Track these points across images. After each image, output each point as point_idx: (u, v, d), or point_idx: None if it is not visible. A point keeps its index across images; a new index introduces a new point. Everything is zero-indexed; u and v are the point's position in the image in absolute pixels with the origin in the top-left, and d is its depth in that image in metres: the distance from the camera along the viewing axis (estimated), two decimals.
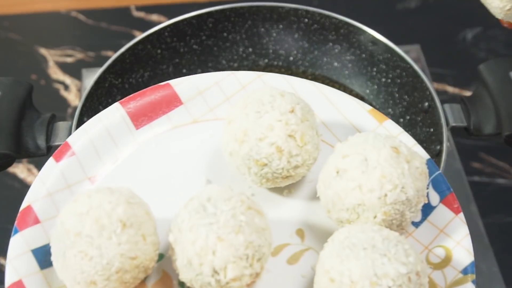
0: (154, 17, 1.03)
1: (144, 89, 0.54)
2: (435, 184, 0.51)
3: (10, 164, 0.63)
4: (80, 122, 0.65)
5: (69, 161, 0.52)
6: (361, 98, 0.76)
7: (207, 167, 0.52)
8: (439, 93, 0.87)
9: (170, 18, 0.76)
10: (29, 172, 0.82)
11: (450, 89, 0.92)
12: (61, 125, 0.65)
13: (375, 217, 0.44)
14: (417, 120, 0.70)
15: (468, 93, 0.80)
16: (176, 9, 0.95)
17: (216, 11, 0.77)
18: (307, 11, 0.77)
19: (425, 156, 0.52)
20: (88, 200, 0.44)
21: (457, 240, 0.50)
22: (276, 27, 0.79)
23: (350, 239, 0.42)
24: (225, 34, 0.79)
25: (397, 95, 0.74)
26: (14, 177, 0.81)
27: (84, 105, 0.66)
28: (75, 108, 0.87)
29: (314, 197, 0.49)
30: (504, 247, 0.74)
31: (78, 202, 0.44)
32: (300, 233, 0.50)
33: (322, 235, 0.49)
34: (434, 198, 0.51)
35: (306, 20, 0.78)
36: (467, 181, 0.75)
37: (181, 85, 0.54)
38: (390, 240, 0.42)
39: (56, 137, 0.64)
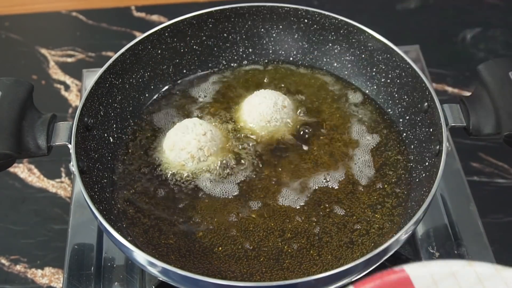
0: (155, 17, 1.03)
1: (378, 274, 0.51)
2: None
3: (11, 164, 0.63)
4: (80, 122, 0.65)
5: None
6: (361, 99, 0.77)
7: None
8: (439, 93, 0.87)
9: (170, 18, 0.76)
10: (29, 172, 0.82)
11: (450, 89, 0.92)
12: (62, 125, 0.65)
13: None
14: (416, 120, 0.70)
15: (467, 93, 0.80)
16: (176, 9, 0.95)
17: (216, 11, 0.77)
18: (307, 12, 0.77)
19: None
20: None
21: None
22: (276, 27, 0.80)
23: None
24: (225, 35, 0.79)
25: (396, 95, 0.74)
26: (15, 176, 0.81)
27: (84, 105, 0.66)
28: (75, 108, 0.87)
29: None
30: (503, 247, 0.74)
31: None
32: None
33: None
34: None
35: (306, 20, 0.78)
36: (466, 181, 0.76)
37: (416, 272, 0.51)
38: None
39: (56, 137, 0.64)
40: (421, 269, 0.51)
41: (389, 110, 0.75)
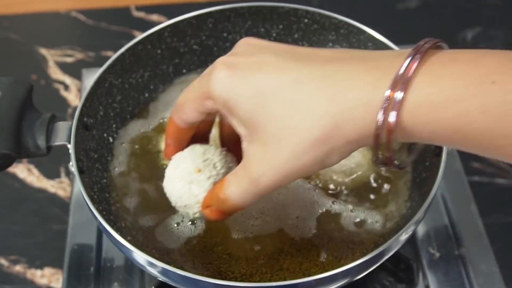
0: (154, 17, 1.03)
1: None
2: None
3: (10, 164, 0.63)
4: (80, 122, 0.65)
5: None
6: None
7: None
8: None
9: (170, 18, 0.76)
10: (29, 172, 0.82)
11: None
12: (61, 125, 0.65)
13: None
14: None
15: None
16: (176, 9, 0.95)
17: (216, 11, 0.77)
18: (307, 11, 0.77)
19: None
20: None
21: None
22: (276, 27, 0.79)
23: None
24: (225, 34, 0.79)
25: None
26: (14, 177, 0.81)
27: (84, 105, 0.66)
28: (75, 108, 0.87)
29: None
30: (504, 247, 0.74)
31: None
32: None
33: None
34: None
35: (306, 20, 0.78)
36: (467, 181, 0.76)
37: None
38: None
39: (56, 137, 0.64)
40: None
41: None
